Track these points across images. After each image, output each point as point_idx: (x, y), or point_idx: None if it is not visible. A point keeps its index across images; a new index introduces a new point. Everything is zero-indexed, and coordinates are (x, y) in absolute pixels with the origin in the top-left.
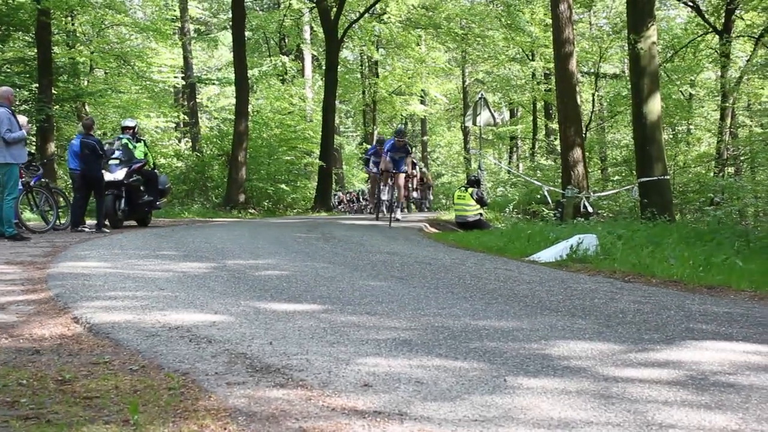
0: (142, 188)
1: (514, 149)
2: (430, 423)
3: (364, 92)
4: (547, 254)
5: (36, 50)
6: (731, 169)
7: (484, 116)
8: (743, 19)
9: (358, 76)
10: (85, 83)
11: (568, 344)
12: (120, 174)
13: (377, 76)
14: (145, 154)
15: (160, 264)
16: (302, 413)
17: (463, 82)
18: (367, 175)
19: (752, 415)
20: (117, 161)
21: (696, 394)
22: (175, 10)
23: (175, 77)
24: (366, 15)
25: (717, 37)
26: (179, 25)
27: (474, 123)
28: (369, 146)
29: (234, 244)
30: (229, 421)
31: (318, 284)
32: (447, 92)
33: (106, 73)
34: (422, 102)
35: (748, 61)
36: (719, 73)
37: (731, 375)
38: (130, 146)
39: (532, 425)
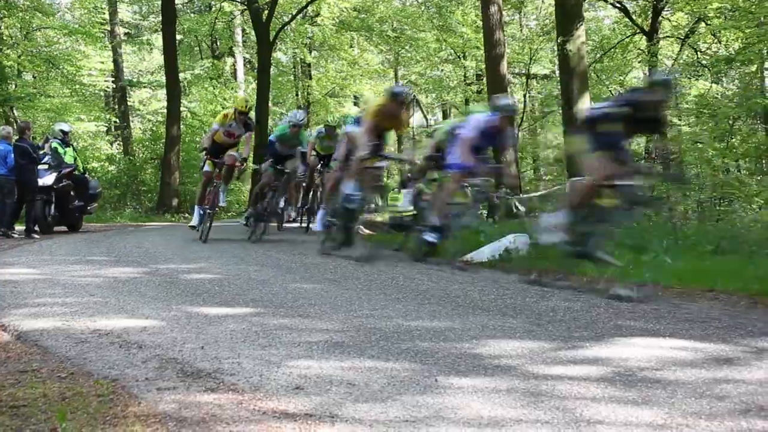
0: (72, 193)
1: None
2: (362, 424)
3: (297, 94)
4: (480, 254)
5: None
6: (660, 168)
7: (416, 117)
8: (669, 20)
9: (292, 78)
10: (13, 87)
11: (499, 343)
12: (49, 179)
13: (311, 78)
14: (75, 159)
15: (91, 269)
16: (233, 417)
17: (396, 83)
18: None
19: (678, 410)
20: (46, 166)
21: (623, 390)
22: (104, 13)
23: (106, 80)
24: (298, 17)
25: (644, 37)
26: (109, 28)
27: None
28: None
29: (166, 248)
30: (158, 426)
31: (251, 287)
32: (380, 94)
33: (34, 77)
34: (356, 104)
35: (674, 61)
36: (647, 73)
37: (658, 371)
38: (60, 151)
39: (463, 424)
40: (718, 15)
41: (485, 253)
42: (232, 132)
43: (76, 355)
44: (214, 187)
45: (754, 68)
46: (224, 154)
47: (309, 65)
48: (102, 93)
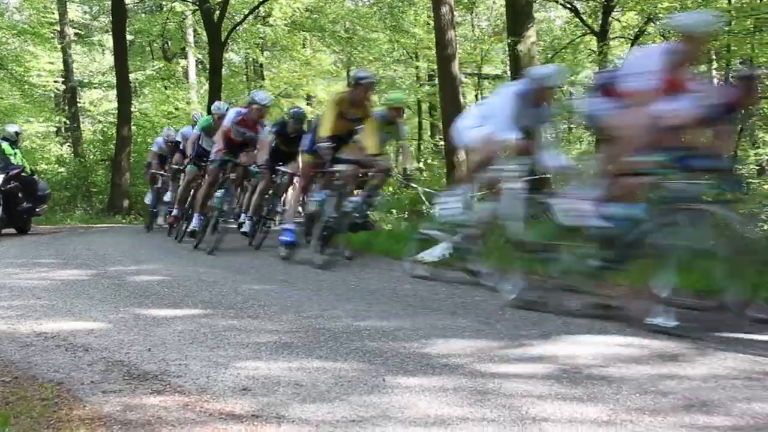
0: (20, 195)
1: (400, 150)
2: (308, 425)
3: (250, 95)
4: (432, 254)
5: None
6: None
7: None
8: (620, 21)
9: (244, 78)
10: None
11: (447, 342)
12: None
13: (263, 79)
14: (22, 160)
15: (38, 272)
16: (179, 419)
17: (349, 84)
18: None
19: (622, 406)
20: None
21: (569, 388)
22: (53, 13)
23: (56, 81)
24: (250, 18)
25: (595, 38)
26: (58, 29)
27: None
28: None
29: (116, 250)
30: (103, 429)
31: (200, 289)
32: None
33: None
34: (308, 104)
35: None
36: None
37: (604, 368)
38: (9, 152)
39: (409, 423)
40: (668, 15)
41: (436, 252)
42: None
43: (21, 359)
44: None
45: (703, 68)
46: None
47: (261, 66)
48: (52, 94)
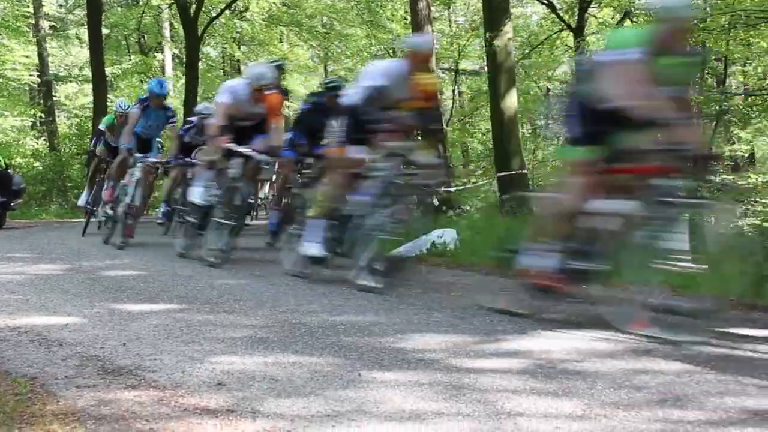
0: None
1: None
2: (283, 419)
3: None
4: (408, 249)
5: None
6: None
7: None
8: (596, 17)
9: (221, 73)
10: None
11: (423, 337)
12: None
13: (240, 73)
14: None
15: (12, 267)
16: (153, 414)
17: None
18: None
19: (596, 401)
20: None
21: (544, 383)
22: (28, 6)
23: (30, 75)
24: (227, 12)
25: (572, 34)
26: (33, 22)
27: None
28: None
29: (90, 244)
30: (77, 424)
31: (176, 283)
32: (310, 89)
33: None
34: (286, 99)
35: None
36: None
37: (578, 363)
38: None
39: (384, 418)
40: (643, 11)
41: (412, 247)
42: None
43: None
44: None
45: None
46: None
47: (238, 60)
48: (27, 87)
